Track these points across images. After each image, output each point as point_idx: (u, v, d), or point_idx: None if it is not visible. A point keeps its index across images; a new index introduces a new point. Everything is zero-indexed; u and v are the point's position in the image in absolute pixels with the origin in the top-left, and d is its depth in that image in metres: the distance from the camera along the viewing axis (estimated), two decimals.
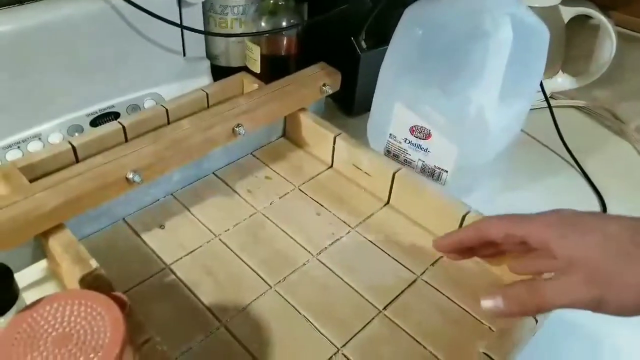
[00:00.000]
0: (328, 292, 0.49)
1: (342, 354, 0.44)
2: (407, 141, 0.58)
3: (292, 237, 0.54)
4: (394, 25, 0.57)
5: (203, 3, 0.64)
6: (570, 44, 0.80)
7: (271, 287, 0.49)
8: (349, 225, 0.56)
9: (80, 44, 0.55)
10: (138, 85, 0.62)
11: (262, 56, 0.68)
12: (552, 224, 0.36)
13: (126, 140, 0.56)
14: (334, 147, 0.61)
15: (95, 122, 0.59)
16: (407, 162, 0.60)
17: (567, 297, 0.34)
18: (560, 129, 0.72)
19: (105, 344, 0.33)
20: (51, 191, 0.45)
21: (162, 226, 0.54)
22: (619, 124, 0.77)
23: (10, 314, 0.36)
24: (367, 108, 0.63)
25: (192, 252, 0.51)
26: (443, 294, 0.49)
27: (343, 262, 0.52)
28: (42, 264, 0.49)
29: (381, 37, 0.66)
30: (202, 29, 0.66)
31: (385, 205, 0.58)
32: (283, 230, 0.54)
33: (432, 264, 0.52)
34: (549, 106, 0.72)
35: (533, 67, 0.55)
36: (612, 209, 0.63)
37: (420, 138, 0.57)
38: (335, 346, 0.45)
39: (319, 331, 0.46)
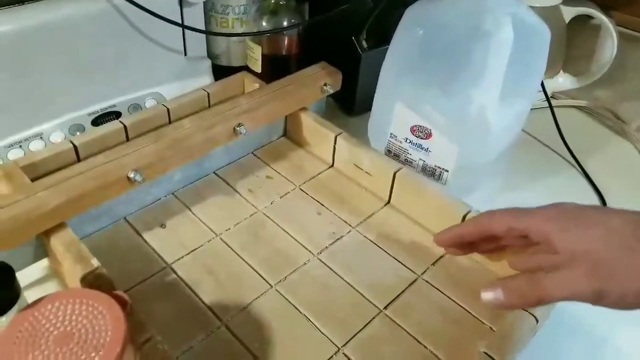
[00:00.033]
0: (329, 291, 0.49)
1: (343, 353, 0.44)
2: (408, 141, 0.58)
3: (292, 237, 0.54)
4: (395, 25, 0.57)
5: (204, 3, 0.64)
6: (571, 43, 0.80)
7: (272, 286, 0.49)
8: (349, 225, 0.56)
9: (81, 44, 0.56)
10: (139, 84, 0.62)
11: (263, 56, 0.68)
12: (554, 218, 0.36)
13: (127, 140, 0.56)
14: (334, 147, 0.61)
15: (97, 121, 0.59)
16: (407, 162, 0.60)
17: (568, 289, 0.34)
18: (561, 128, 0.72)
19: (106, 343, 0.33)
20: (53, 190, 0.46)
21: (163, 225, 0.54)
22: (620, 124, 0.77)
23: (12, 312, 0.36)
24: (368, 108, 0.64)
25: (193, 251, 0.52)
26: (444, 294, 0.49)
27: (344, 261, 0.52)
28: (44, 262, 0.49)
29: (382, 37, 0.66)
30: (203, 28, 0.66)
31: (386, 204, 0.58)
32: (284, 230, 0.54)
33: (433, 264, 0.52)
34: (550, 106, 0.72)
35: (534, 67, 0.55)
36: None
37: (421, 138, 0.57)
38: (336, 345, 0.45)
39: (320, 330, 0.46)
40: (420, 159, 0.59)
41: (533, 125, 0.69)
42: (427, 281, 0.50)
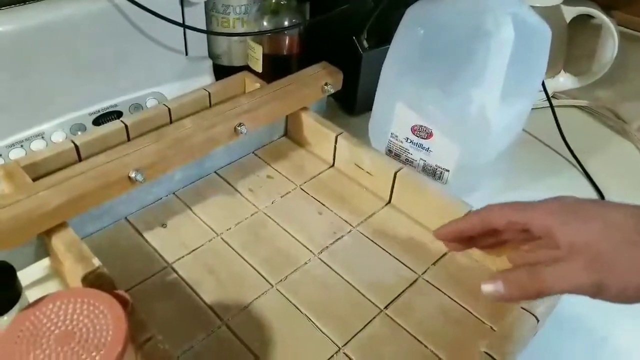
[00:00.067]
0: (329, 291, 0.49)
1: (343, 353, 0.44)
2: (409, 140, 0.58)
3: (293, 236, 0.54)
4: (396, 25, 0.57)
5: (205, 2, 0.64)
6: (572, 43, 0.80)
7: (272, 286, 0.49)
8: (350, 225, 0.56)
9: (82, 44, 0.56)
10: (140, 84, 0.62)
11: (264, 55, 0.68)
12: (555, 211, 0.36)
13: (128, 139, 0.56)
14: (335, 147, 0.61)
15: (98, 121, 0.59)
16: (408, 162, 0.60)
17: (568, 282, 0.34)
18: (562, 128, 0.72)
19: (107, 342, 0.33)
20: (54, 190, 0.46)
21: (164, 225, 0.54)
22: (621, 123, 0.77)
23: (13, 312, 0.36)
24: (368, 107, 0.64)
25: (193, 250, 0.52)
26: (444, 293, 0.49)
27: (344, 261, 0.52)
28: (45, 262, 0.49)
29: (383, 37, 0.66)
30: (204, 28, 0.66)
31: (386, 204, 0.58)
32: (284, 229, 0.54)
33: (434, 263, 0.52)
34: (551, 106, 0.72)
35: (535, 67, 0.55)
36: None
37: (421, 137, 0.57)
38: (337, 345, 0.45)
39: (320, 330, 0.46)
40: (421, 159, 0.59)
41: (534, 125, 0.69)
42: (427, 281, 0.51)
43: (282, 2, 0.66)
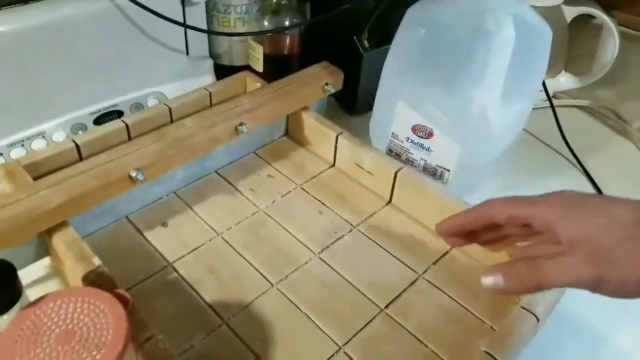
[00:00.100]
0: (330, 290, 0.49)
1: (344, 352, 0.44)
2: (410, 140, 0.58)
3: (294, 236, 0.54)
4: (397, 25, 0.57)
5: (206, 2, 0.64)
6: (573, 43, 0.80)
7: (273, 285, 0.49)
8: (350, 224, 0.56)
9: (83, 43, 0.56)
10: (141, 84, 0.63)
11: (264, 55, 0.68)
12: (556, 206, 0.36)
13: (129, 139, 0.56)
14: (336, 146, 0.61)
15: (99, 120, 0.60)
16: (409, 161, 0.60)
17: (568, 275, 0.34)
18: (562, 128, 0.72)
19: (108, 341, 0.33)
20: (55, 189, 0.46)
21: (164, 224, 0.54)
22: (621, 123, 0.77)
23: (14, 310, 0.36)
24: (369, 107, 0.64)
25: (194, 250, 0.52)
26: (445, 293, 0.49)
27: (345, 260, 0.52)
28: (46, 261, 0.49)
29: (384, 37, 0.66)
30: (205, 28, 0.66)
31: (387, 204, 0.58)
32: (285, 229, 0.54)
33: (434, 263, 0.52)
34: (552, 105, 0.72)
35: (535, 67, 0.55)
36: None
37: (422, 137, 0.57)
38: (337, 344, 0.45)
39: (321, 329, 0.46)
40: (421, 159, 0.59)
41: (534, 125, 0.69)
42: (428, 280, 0.51)
43: (283, 2, 0.66)
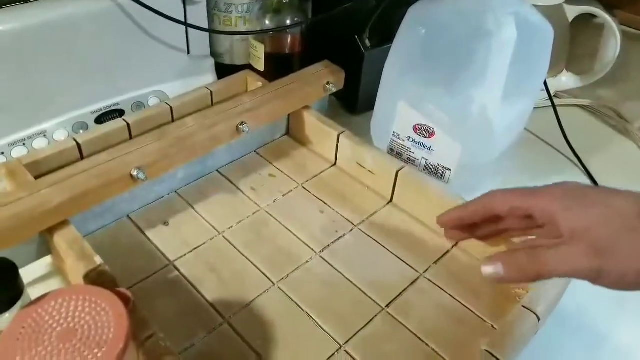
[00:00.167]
0: (331, 289, 0.49)
1: (345, 350, 0.44)
2: (411, 139, 0.58)
3: (295, 235, 0.54)
4: (398, 24, 0.57)
5: (208, 1, 0.64)
6: (574, 42, 0.80)
7: (274, 284, 0.49)
8: (352, 223, 0.56)
9: (84, 43, 0.56)
10: (142, 83, 0.63)
11: (266, 54, 0.68)
12: (558, 197, 0.36)
13: (130, 138, 0.56)
14: (337, 145, 0.61)
15: (100, 119, 0.60)
16: (410, 161, 0.60)
17: (568, 265, 0.34)
18: (564, 127, 0.72)
19: (109, 340, 0.33)
20: (56, 188, 0.46)
21: (166, 223, 0.54)
22: (623, 123, 0.77)
23: (16, 309, 0.37)
24: (370, 106, 0.64)
25: (195, 249, 0.52)
26: (446, 292, 0.49)
27: (346, 259, 0.52)
28: (47, 260, 0.49)
29: (385, 36, 0.66)
30: (206, 27, 0.66)
31: (388, 203, 0.58)
32: (286, 228, 0.54)
33: (435, 262, 0.52)
34: (553, 105, 0.72)
35: (537, 66, 0.55)
36: None
37: (423, 136, 0.57)
38: (338, 343, 0.45)
39: (322, 328, 0.46)
40: (422, 158, 0.59)
41: (536, 124, 0.69)
42: (429, 279, 0.51)
43: (284, 1, 0.66)
